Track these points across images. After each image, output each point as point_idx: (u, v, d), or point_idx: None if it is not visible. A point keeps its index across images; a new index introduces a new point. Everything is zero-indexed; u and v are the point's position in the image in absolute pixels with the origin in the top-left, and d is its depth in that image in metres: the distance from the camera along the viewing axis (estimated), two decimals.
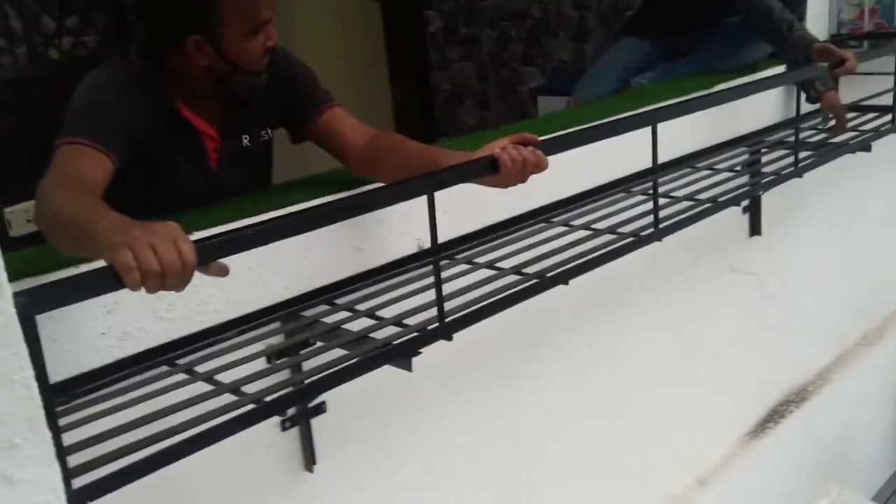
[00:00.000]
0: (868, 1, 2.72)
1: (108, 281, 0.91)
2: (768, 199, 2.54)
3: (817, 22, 2.73)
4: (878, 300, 3.34)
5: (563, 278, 1.48)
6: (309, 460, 1.52)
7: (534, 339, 1.93)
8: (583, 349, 2.08)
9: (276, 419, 1.47)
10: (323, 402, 1.52)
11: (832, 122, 2.43)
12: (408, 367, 1.23)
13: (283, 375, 1.26)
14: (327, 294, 1.48)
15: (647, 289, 2.24)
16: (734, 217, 2.52)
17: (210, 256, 0.99)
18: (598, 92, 2.57)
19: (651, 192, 1.73)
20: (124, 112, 1.40)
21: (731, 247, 2.54)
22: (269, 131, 1.66)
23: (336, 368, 1.19)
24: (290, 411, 1.48)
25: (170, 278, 0.89)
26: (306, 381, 1.20)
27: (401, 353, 1.23)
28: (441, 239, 1.29)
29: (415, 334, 1.25)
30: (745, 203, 2.52)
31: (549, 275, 1.47)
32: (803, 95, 2.44)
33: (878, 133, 2.36)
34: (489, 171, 1.30)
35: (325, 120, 1.60)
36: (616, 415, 2.22)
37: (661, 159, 1.71)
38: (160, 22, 1.46)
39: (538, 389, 1.97)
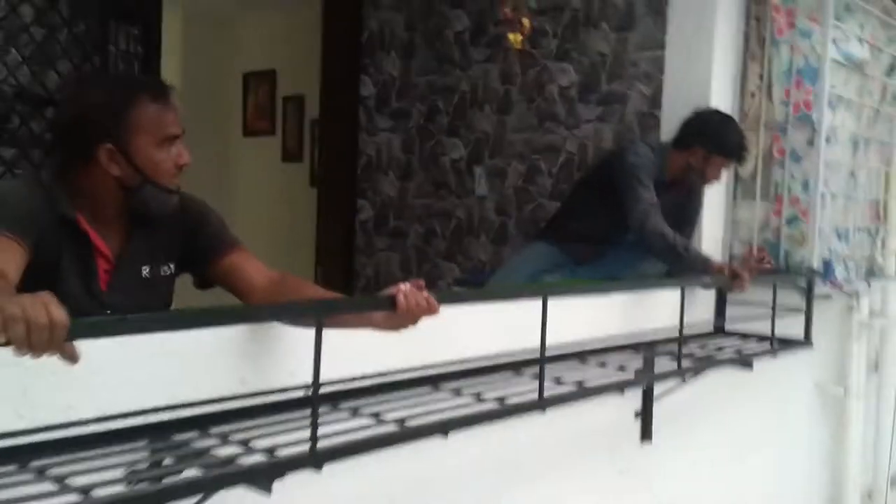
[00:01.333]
0: (756, 239, 2.99)
1: None
2: (660, 409, 2.62)
3: (711, 254, 2.98)
4: None
5: (443, 429, 1.49)
6: None
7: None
8: None
9: None
10: None
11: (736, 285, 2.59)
12: (268, 490, 1.20)
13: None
14: (204, 421, 1.46)
15: (537, 478, 2.24)
16: (626, 420, 2.59)
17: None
18: (526, 272, 2.73)
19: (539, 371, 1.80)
20: (29, 213, 1.43)
21: (621, 450, 2.58)
22: (172, 266, 1.67)
23: (192, 479, 1.15)
24: None
25: (35, 333, 0.90)
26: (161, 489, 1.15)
27: (262, 476, 1.20)
28: (332, 386, 1.31)
29: (281, 458, 1.23)
30: (637, 409, 2.61)
31: (425, 423, 1.48)
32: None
33: (757, 354, 2.52)
34: (386, 307, 1.36)
35: (231, 260, 1.63)
36: None
37: (560, 351, 1.80)
38: (73, 133, 1.50)
39: None
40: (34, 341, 0.92)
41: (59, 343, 0.95)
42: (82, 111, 1.49)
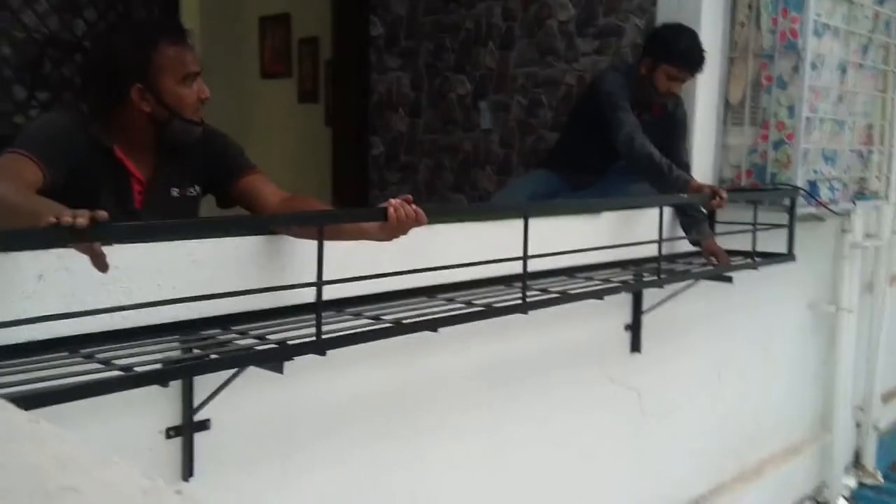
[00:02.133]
0: (745, 163, 3.15)
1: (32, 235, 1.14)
2: (649, 322, 2.83)
3: (700, 179, 3.13)
4: (753, 441, 3.58)
5: (433, 326, 1.72)
6: (187, 471, 1.67)
7: (424, 417, 2.13)
8: (470, 436, 2.27)
9: (163, 427, 1.64)
10: (208, 420, 1.69)
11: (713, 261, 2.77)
12: (279, 370, 1.43)
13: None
14: (225, 321, 1.69)
15: (530, 387, 2.45)
16: (616, 333, 2.81)
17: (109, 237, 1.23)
18: (523, 194, 2.92)
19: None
20: (64, 142, 1.65)
21: (612, 360, 2.80)
22: (197, 188, 1.90)
23: (216, 357, 1.39)
24: (176, 422, 1.65)
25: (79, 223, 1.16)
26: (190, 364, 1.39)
27: (274, 357, 1.43)
28: (337, 292, 1.53)
29: (294, 342, 1.47)
30: (627, 322, 2.83)
31: (417, 320, 1.70)
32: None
33: (739, 267, 2.70)
34: (379, 218, 1.57)
35: (248, 182, 1.86)
36: (491, 498, 2.38)
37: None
38: (106, 76, 1.71)
39: (422, 468, 2.14)
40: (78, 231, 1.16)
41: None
42: (113, 56, 1.70)
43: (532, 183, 2.99)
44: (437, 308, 1.90)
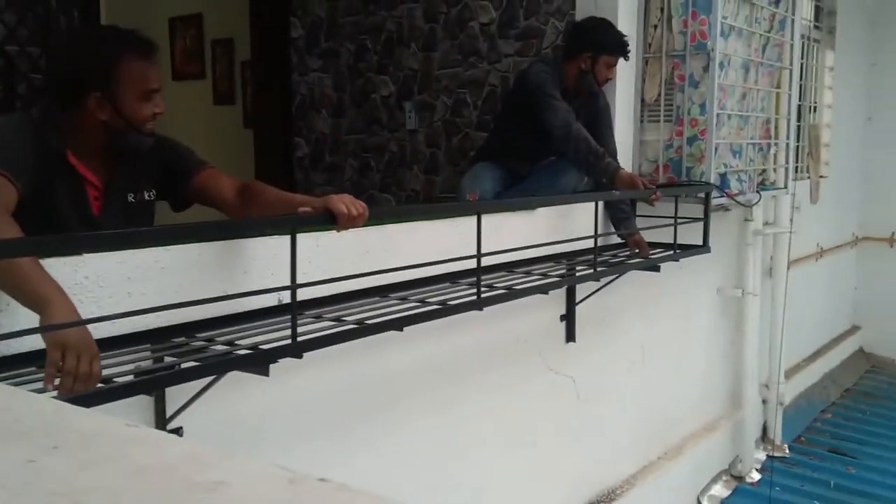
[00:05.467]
0: (661, 158, 3.33)
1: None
2: (582, 312, 2.97)
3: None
4: (676, 420, 3.79)
5: (398, 325, 1.78)
6: None
7: (376, 402, 2.19)
8: (419, 420, 2.34)
9: None
10: (180, 428, 1.70)
11: (637, 252, 2.95)
12: (265, 373, 1.47)
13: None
14: (191, 328, 1.71)
15: (474, 375, 2.55)
16: (553, 324, 2.93)
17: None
18: (482, 187, 3.00)
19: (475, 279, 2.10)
20: (21, 149, 1.62)
21: (549, 350, 2.92)
22: (153, 193, 1.90)
23: (197, 365, 1.41)
24: None
25: (79, 385, 1.27)
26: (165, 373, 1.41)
27: (254, 362, 1.46)
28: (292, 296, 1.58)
29: (272, 345, 1.50)
30: (562, 313, 2.96)
31: (384, 320, 1.76)
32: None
33: (662, 259, 2.87)
34: (328, 222, 1.64)
35: (202, 179, 1.88)
36: (442, 483, 2.46)
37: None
38: (66, 81, 1.69)
39: (373, 453, 2.20)
40: (75, 389, 1.25)
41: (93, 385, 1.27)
42: (76, 62, 1.69)
43: (485, 179, 3.07)
44: (395, 307, 1.96)
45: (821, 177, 5.37)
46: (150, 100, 1.74)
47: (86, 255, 1.55)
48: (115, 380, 1.39)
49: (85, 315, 1.53)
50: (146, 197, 1.87)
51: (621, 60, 3.08)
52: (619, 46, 3.02)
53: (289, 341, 1.53)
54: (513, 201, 2.32)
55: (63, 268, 1.52)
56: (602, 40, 3.00)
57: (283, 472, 0.54)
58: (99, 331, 1.54)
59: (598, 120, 3.08)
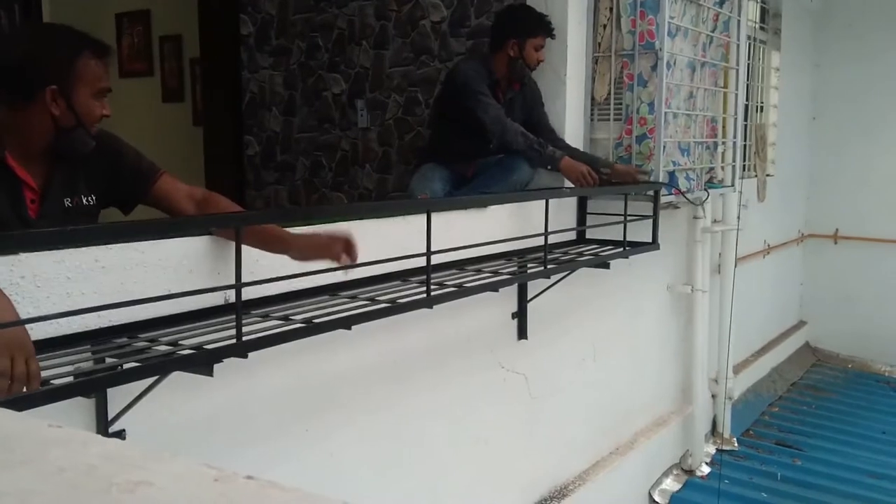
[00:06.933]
0: (612, 156, 3.37)
1: None
2: (533, 310, 2.99)
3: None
4: (627, 416, 3.84)
5: (346, 323, 1.77)
6: None
7: (327, 402, 2.17)
8: (369, 418, 2.33)
9: None
10: (123, 430, 1.66)
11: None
12: (209, 373, 1.44)
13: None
14: (134, 328, 1.67)
15: (426, 373, 2.54)
16: (504, 321, 2.94)
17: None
18: (431, 188, 3.01)
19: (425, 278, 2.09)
20: None
21: (501, 347, 2.93)
22: (92, 198, 1.85)
23: (138, 365, 1.38)
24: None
25: (17, 385, 1.23)
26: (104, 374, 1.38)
27: (203, 360, 1.44)
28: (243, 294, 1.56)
29: (215, 346, 1.48)
30: (514, 310, 2.97)
31: (331, 319, 1.75)
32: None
33: (611, 256, 2.90)
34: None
35: (157, 190, 1.86)
36: (394, 482, 2.46)
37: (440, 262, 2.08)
38: (21, 74, 1.66)
39: (324, 453, 2.18)
40: (13, 390, 1.22)
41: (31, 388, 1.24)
42: (34, 55, 1.66)
43: (431, 181, 3.07)
44: (343, 306, 1.95)
45: (767, 175, 5.47)
46: (100, 99, 1.73)
47: (22, 255, 1.51)
48: (53, 381, 1.35)
49: (22, 316, 1.49)
50: (84, 202, 1.83)
51: (556, 49, 3.14)
52: (542, 26, 3.07)
53: (233, 341, 1.51)
54: (464, 199, 2.32)
55: None
56: (525, 23, 3.06)
57: (209, 470, 0.53)
58: (36, 332, 1.51)
59: (533, 101, 3.16)
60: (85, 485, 0.51)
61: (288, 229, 1.83)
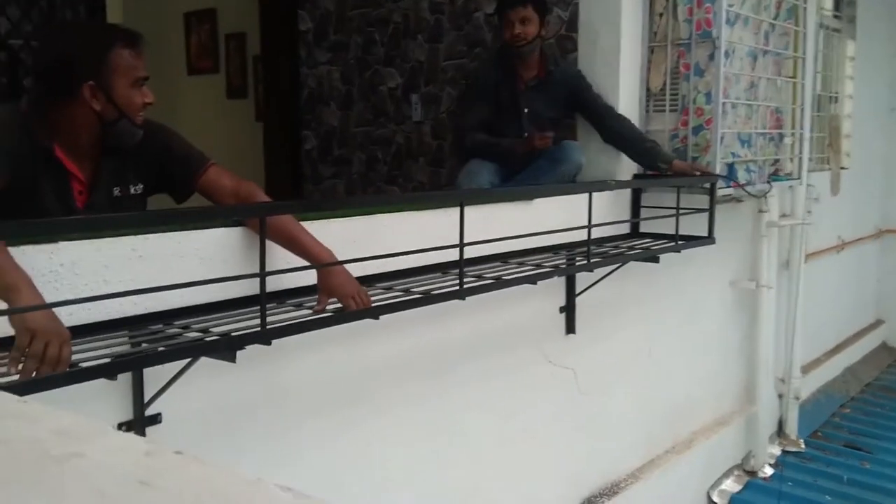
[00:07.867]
0: (667, 148, 3.28)
1: None
2: (582, 304, 2.94)
3: (626, 166, 3.25)
4: (685, 414, 3.74)
5: (374, 314, 1.78)
6: None
7: (368, 402, 2.18)
8: (413, 419, 2.33)
9: (115, 422, 1.65)
10: (159, 414, 1.71)
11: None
12: (232, 359, 1.47)
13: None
14: (168, 316, 1.72)
15: (468, 366, 2.53)
16: (552, 315, 2.90)
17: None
18: (478, 181, 3.02)
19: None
20: (5, 140, 1.65)
21: (548, 341, 2.90)
22: (139, 187, 1.91)
23: (165, 350, 1.42)
24: (128, 417, 1.67)
25: (46, 367, 1.28)
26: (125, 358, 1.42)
27: (222, 347, 1.47)
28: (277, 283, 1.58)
29: (240, 333, 1.50)
30: (562, 305, 2.93)
31: (360, 309, 1.76)
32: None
33: (662, 250, 2.83)
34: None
35: (206, 181, 1.90)
36: (435, 476, 2.46)
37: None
38: (59, 72, 1.72)
39: (364, 438, 2.20)
40: (42, 372, 1.26)
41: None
42: (68, 53, 1.72)
43: (484, 172, 3.05)
44: (377, 296, 1.96)
45: (842, 168, 5.26)
46: (139, 88, 1.77)
47: (61, 243, 1.56)
48: (82, 364, 1.40)
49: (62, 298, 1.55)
50: (132, 191, 1.89)
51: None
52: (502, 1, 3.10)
53: (258, 329, 1.53)
54: (497, 191, 2.30)
55: (38, 255, 1.54)
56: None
57: (142, 444, 0.54)
58: (73, 318, 1.57)
59: (580, 91, 3.16)
60: (21, 455, 0.52)
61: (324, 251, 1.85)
